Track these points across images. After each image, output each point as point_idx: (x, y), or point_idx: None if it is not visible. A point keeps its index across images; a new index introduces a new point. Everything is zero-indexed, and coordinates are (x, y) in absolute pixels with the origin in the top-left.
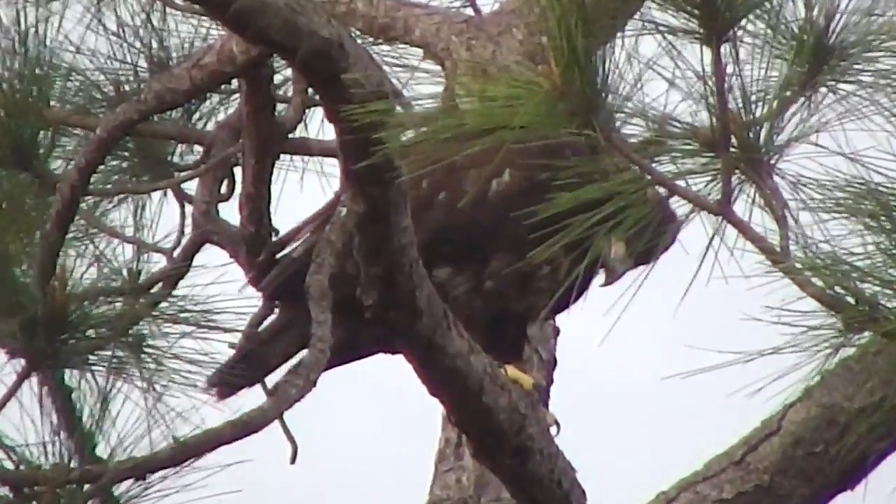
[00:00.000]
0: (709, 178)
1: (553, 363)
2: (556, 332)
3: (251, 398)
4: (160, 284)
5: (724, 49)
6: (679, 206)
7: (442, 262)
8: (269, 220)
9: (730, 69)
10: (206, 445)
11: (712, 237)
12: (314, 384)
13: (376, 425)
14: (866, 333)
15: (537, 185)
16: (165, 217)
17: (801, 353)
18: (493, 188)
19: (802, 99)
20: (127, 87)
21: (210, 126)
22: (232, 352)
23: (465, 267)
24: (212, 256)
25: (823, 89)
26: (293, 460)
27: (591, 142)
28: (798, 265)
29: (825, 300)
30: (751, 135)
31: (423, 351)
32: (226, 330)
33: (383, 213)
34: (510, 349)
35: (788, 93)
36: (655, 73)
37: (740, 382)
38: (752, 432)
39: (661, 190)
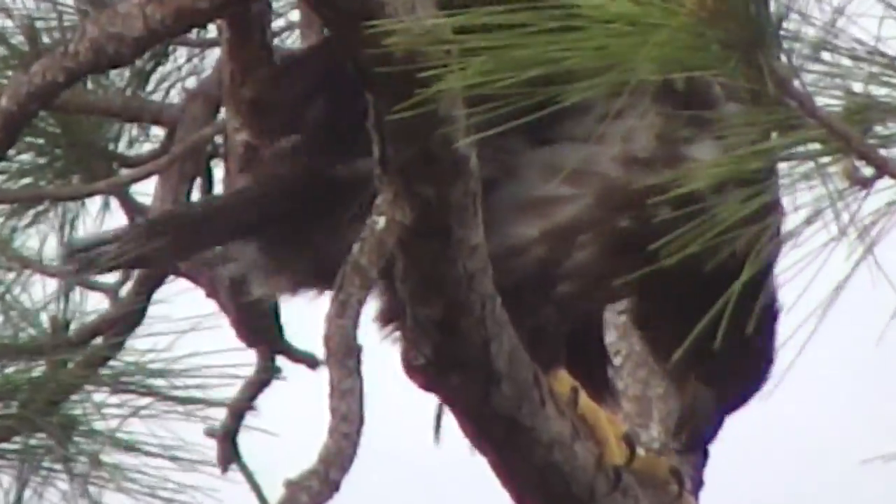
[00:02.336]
0: None
1: (703, 455)
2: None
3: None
4: (100, 338)
5: None
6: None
7: None
8: None
9: None
10: None
11: None
12: (337, 488)
13: None
14: None
15: None
16: None
17: None
18: None
19: None
20: (48, 40)
21: (174, 96)
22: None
23: None
24: (178, 296)
25: None
26: None
27: (754, 88)
28: None
29: None
30: None
31: (501, 436)
32: (198, 402)
33: (441, 225)
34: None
35: None
36: None
37: None
38: None
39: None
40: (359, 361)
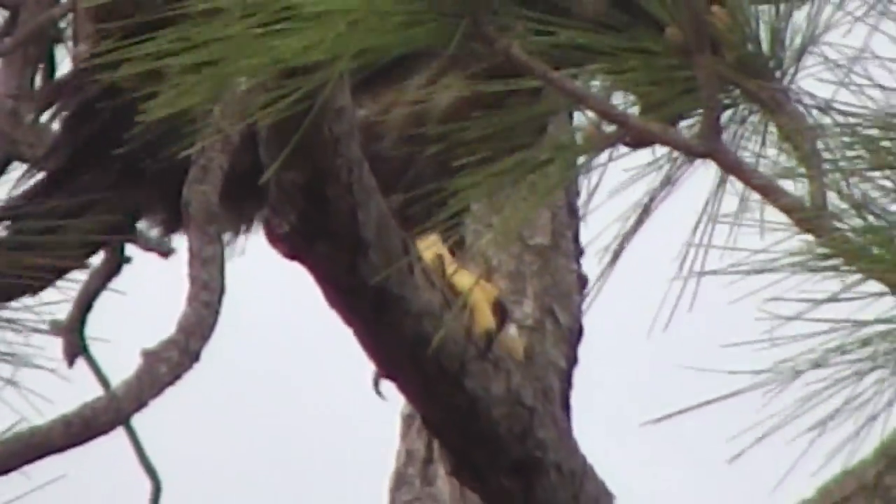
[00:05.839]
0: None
1: (577, 332)
2: (583, 282)
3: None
4: None
5: None
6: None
7: None
8: None
9: None
10: (23, 455)
11: (716, 190)
12: (196, 358)
13: (291, 432)
14: None
15: None
16: None
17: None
18: None
19: None
20: None
21: None
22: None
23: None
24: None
25: None
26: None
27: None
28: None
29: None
30: (747, 30)
31: (368, 307)
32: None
33: None
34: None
35: None
36: None
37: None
38: (889, 438)
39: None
40: (220, 228)
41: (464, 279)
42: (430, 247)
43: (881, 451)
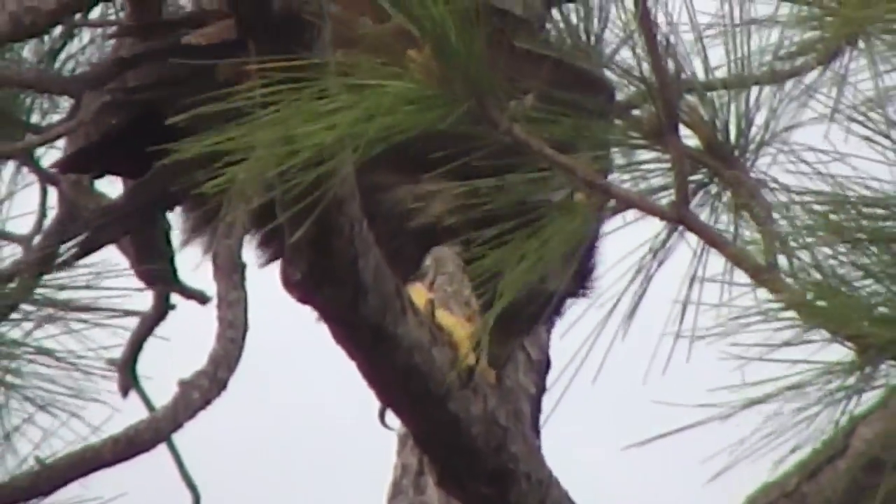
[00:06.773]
0: (663, 178)
1: (546, 364)
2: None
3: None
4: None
5: None
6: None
7: None
8: None
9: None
10: (78, 469)
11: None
12: (224, 386)
13: (308, 451)
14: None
15: None
16: (22, 194)
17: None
18: None
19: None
20: None
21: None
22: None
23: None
24: None
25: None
26: None
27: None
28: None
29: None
30: (716, 122)
31: (368, 342)
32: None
33: None
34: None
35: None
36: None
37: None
38: (809, 455)
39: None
40: (243, 276)
41: (449, 320)
42: (419, 292)
43: (800, 464)
